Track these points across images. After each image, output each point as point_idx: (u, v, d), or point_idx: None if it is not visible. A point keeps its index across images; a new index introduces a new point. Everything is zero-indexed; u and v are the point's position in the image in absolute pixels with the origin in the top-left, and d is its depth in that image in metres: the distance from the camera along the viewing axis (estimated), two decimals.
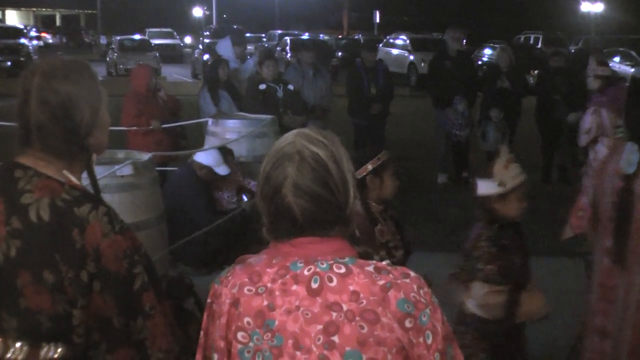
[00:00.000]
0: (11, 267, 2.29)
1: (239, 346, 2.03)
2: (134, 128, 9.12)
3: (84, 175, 2.47)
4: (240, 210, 7.96)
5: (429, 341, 1.96)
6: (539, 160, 12.70)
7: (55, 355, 2.30)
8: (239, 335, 2.03)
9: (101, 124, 2.46)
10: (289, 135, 2.09)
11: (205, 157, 7.94)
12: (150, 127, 9.11)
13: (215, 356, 2.07)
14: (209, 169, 7.92)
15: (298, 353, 1.96)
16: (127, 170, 6.13)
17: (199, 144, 10.31)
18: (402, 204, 9.65)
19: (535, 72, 20.56)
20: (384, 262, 2.04)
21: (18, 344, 2.30)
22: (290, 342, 1.97)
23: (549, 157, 12.43)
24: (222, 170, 7.97)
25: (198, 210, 7.67)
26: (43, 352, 2.30)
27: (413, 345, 1.95)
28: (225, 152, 8.25)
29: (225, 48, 11.92)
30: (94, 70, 2.54)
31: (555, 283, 7.51)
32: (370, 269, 1.99)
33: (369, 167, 4.30)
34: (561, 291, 7.53)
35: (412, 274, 2.03)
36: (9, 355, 2.30)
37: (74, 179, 2.38)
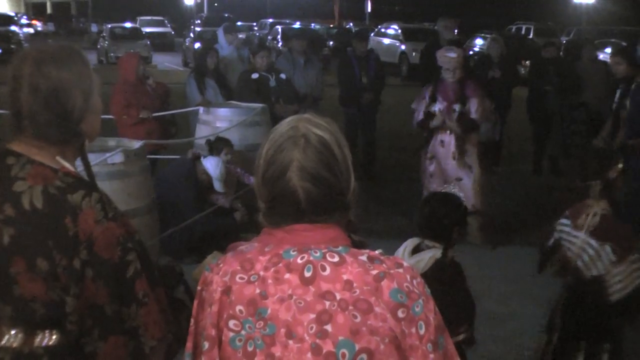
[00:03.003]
0: (5, 255, 2.28)
1: (231, 334, 2.01)
2: (124, 117, 9.09)
3: (78, 162, 2.46)
4: (231, 217, 8.03)
5: (422, 332, 1.96)
6: (530, 151, 12.73)
7: (50, 343, 2.29)
8: (231, 323, 2.01)
9: (94, 110, 2.44)
10: (291, 120, 2.07)
11: (212, 167, 7.96)
12: (141, 116, 9.09)
13: (206, 344, 2.05)
14: (209, 178, 7.95)
15: (290, 342, 1.95)
16: (118, 158, 6.13)
17: (187, 131, 10.30)
18: (394, 193, 9.68)
19: (527, 62, 20.57)
20: (376, 252, 2.03)
21: (13, 331, 2.29)
22: (282, 330, 1.96)
23: (540, 148, 12.44)
24: (218, 186, 8.00)
25: (187, 204, 7.67)
26: (38, 339, 2.29)
27: (405, 336, 1.95)
28: (222, 143, 8.25)
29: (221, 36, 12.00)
30: (86, 56, 2.52)
31: (545, 272, 7.53)
32: (364, 258, 1.99)
33: (620, 167, 4.24)
34: (551, 280, 7.55)
35: (405, 264, 2.02)
36: (3, 342, 2.29)
37: (67, 165, 2.37)
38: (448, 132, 8.41)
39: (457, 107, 8.35)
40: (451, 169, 8.40)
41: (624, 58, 8.64)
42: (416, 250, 4.10)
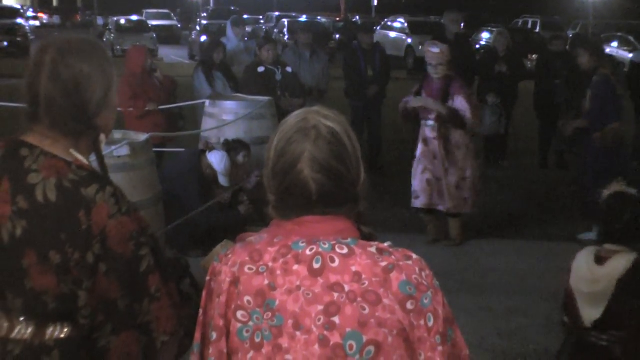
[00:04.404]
0: (17, 247, 2.27)
1: (238, 325, 2.02)
2: (131, 109, 9.10)
3: (92, 157, 2.46)
4: (236, 210, 8.01)
5: (430, 324, 1.96)
6: (536, 145, 12.71)
7: (62, 335, 2.29)
8: (239, 314, 2.01)
9: (110, 106, 2.46)
10: (300, 112, 2.08)
11: (217, 161, 7.91)
12: (147, 108, 9.10)
13: (214, 334, 2.06)
14: (214, 173, 7.92)
15: (298, 333, 1.95)
16: (124, 150, 6.13)
17: (195, 124, 10.30)
18: (399, 185, 9.68)
19: (534, 56, 20.53)
20: (386, 244, 2.03)
21: (24, 323, 2.29)
22: (290, 322, 1.96)
23: (546, 142, 12.43)
24: (223, 181, 7.96)
25: (192, 198, 7.67)
26: (49, 331, 2.29)
27: (414, 328, 1.95)
28: (241, 146, 8.21)
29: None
30: (108, 52, 2.54)
31: (551, 267, 7.53)
32: (373, 250, 1.99)
33: None
34: (557, 275, 7.54)
35: (414, 256, 2.02)
36: (14, 334, 2.29)
37: (81, 158, 2.36)
38: (430, 129, 8.25)
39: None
40: (436, 165, 8.21)
41: (586, 50, 8.64)
42: (598, 258, 4.05)
